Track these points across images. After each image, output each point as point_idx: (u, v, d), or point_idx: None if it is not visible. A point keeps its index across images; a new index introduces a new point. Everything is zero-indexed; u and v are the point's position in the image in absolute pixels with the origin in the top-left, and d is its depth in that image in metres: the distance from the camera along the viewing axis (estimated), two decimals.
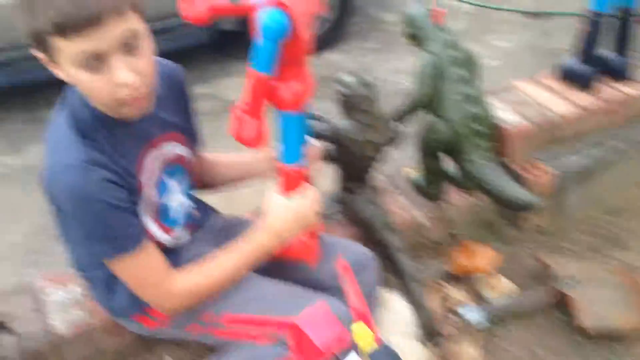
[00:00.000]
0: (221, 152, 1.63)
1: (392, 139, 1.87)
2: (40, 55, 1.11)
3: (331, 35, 4.13)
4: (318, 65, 3.98)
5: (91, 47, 1.05)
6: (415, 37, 1.95)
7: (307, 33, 1.22)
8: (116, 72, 1.09)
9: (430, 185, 2.03)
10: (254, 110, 1.21)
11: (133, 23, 1.10)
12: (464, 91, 1.86)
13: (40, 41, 1.07)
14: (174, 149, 1.39)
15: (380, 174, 2.10)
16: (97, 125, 1.21)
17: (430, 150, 1.95)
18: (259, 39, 1.16)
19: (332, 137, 1.80)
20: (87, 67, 1.08)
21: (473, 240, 2.11)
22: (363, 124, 1.77)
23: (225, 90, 3.75)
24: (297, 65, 1.26)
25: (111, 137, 1.23)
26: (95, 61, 1.07)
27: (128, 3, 1.07)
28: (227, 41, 3.87)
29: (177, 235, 1.44)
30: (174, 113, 1.40)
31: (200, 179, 1.57)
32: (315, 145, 1.55)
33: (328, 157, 1.82)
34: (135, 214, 1.27)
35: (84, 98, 1.20)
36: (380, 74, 3.90)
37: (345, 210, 1.95)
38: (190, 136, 1.46)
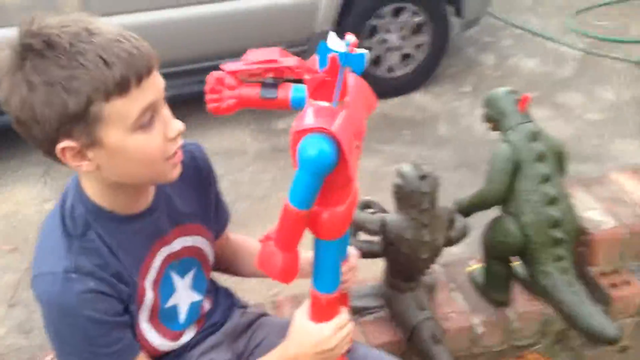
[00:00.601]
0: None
1: (453, 241, 1.54)
2: (72, 144, 0.91)
3: (422, 76, 3.78)
4: (404, 106, 3.66)
5: (150, 98, 0.93)
6: (496, 122, 1.61)
7: (356, 157, 0.94)
8: (171, 122, 0.97)
9: (494, 290, 1.68)
10: (285, 245, 0.98)
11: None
12: (544, 191, 1.51)
13: (81, 120, 0.89)
14: (188, 242, 1.16)
15: (437, 266, 1.77)
16: (94, 224, 1.02)
17: (497, 253, 1.61)
18: (298, 170, 0.90)
19: (379, 231, 1.50)
20: (141, 127, 0.93)
21: (539, 354, 1.75)
22: (417, 221, 1.45)
23: None
24: (341, 188, 0.98)
25: (111, 236, 1.03)
26: (150, 115, 0.94)
27: None
28: None
29: (184, 338, 1.21)
30: (192, 200, 1.17)
31: (219, 263, 1.32)
32: (352, 253, 1.24)
33: (372, 254, 1.52)
34: (126, 326, 1.06)
35: (83, 193, 1.02)
36: (470, 120, 3.52)
37: (389, 309, 1.63)
38: (210, 223, 1.22)
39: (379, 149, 3.26)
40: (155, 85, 0.94)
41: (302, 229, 0.98)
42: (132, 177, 0.99)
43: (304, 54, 3.49)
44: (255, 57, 1.03)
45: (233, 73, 1.03)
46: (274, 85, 1.04)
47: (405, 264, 1.51)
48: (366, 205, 1.56)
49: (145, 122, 0.93)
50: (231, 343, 1.29)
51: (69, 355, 1.03)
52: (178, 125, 0.98)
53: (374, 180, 2.86)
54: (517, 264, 1.66)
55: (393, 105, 3.66)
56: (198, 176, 1.19)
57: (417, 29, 3.64)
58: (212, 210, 1.23)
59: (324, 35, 3.51)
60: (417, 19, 3.58)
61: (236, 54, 3.69)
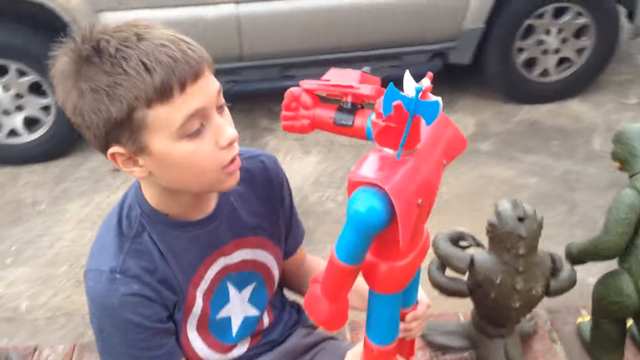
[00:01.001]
0: None
1: (555, 292, 1.33)
2: (121, 150, 0.89)
3: (581, 83, 3.38)
4: (556, 114, 3.31)
5: (196, 104, 0.86)
6: (624, 163, 1.35)
7: (420, 215, 0.80)
8: (223, 129, 0.89)
9: (601, 349, 1.43)
10: (332, 295, 0.87)
11: (215, 80, 0.92)
12: None
13: (125, 126, 0.86)
14: (249, 255, 1.09)
15: (541, 310, 1.56)
16: (149, 226, 0.98)
17: (607, 311, 1.37)
18: (345, 223, 0.78)
19: (466, 269, 1.33)
20: (189, 135, 0.87)
21: None
22: (510, 266, 1.27)
23: None
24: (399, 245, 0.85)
25: (164, 241, 0.99)
26: (198, 123, 0.88)
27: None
28: (457, 73, 3.39)
29: (235, 352, 1.15)
30: (259, 213, 1.10)
31: (292, 284, 1.26)
32: (422, 300, 1.09)
33: (458, 293, 1.35)
34: (170, 333, 1.02)
35: (141, 195, 0.99)
36: None
37: (474, 352, 1.46)
38: (277, 238, 1.14)
39: (519, 157, 2.98)
40: (204, 91, 0.87)
41: (352, 282, 0.85)
42: (183, 184, 0.94)
43: (452, 51, 3.27)
44: (334, 77, 0.91)
45: (309, 91, 0.93)
46: (351, 111, 0.90)
47: (494, 310, 1.34)
48: (459, 238, 1.40)
49: (192, 129, 0.86)
50: None
51: (107, 355, 1.01)
52: (230, 133, 0.90)
53: (503, 193, 2.62)
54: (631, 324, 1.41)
55: (544, 111, 3.32)
56: (268, 188, 1.11)
57: (580, 32, 3.25)
58: (282, 226, 1.15)
59: (473, 33, 3.26)
60: (581, 21, 3.20)
61: (387, 46, 3.54)
